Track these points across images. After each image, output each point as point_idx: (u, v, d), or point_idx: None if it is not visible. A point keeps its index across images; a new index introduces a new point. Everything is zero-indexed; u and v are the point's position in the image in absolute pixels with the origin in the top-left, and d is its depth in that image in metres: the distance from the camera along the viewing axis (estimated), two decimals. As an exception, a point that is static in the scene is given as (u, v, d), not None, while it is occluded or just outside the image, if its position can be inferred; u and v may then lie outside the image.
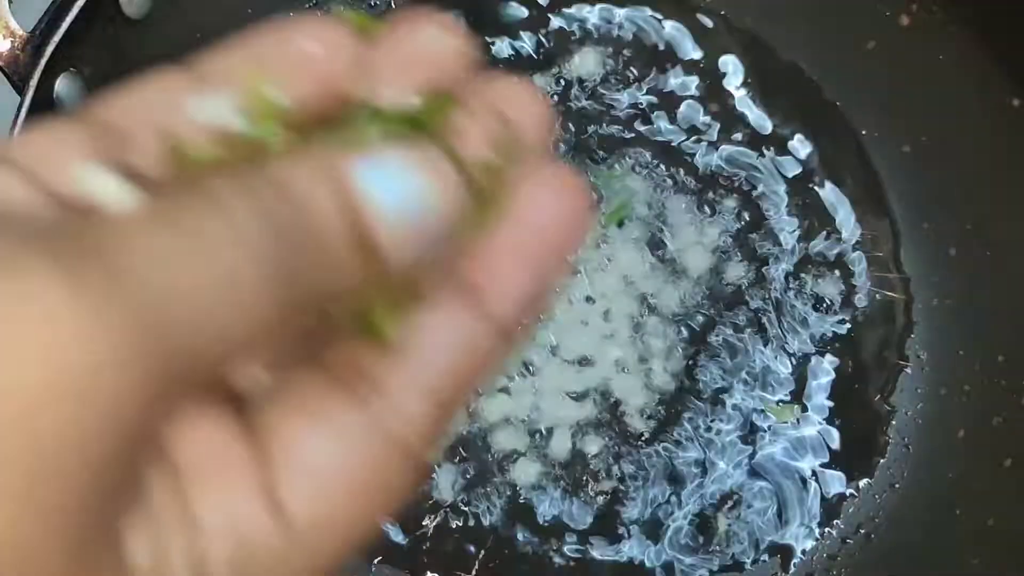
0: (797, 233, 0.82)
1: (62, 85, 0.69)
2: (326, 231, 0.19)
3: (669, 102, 0.84)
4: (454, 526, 0.76)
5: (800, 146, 0.84)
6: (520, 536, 0.76)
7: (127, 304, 0.16)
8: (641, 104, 0.84)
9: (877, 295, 0.82)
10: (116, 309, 0.16)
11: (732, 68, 0.86)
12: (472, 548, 0.76)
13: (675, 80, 0.85)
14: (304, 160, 0.20)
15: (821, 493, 0.77)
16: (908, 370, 0.80)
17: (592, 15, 0.85)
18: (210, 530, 0.19)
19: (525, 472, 0.77)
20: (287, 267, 0.18)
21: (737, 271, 0.81)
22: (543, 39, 0.85)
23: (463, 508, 0.77)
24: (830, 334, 0.80)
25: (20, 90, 0.67)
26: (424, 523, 0.76)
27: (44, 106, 0.68)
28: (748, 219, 0.82)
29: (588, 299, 0.79)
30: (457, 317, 0.23)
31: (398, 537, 0.76)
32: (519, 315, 0.24)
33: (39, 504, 0.15)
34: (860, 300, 0.81)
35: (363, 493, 0.21)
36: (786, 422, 0.78)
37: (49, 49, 0.67)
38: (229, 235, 0.18)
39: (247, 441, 0.21)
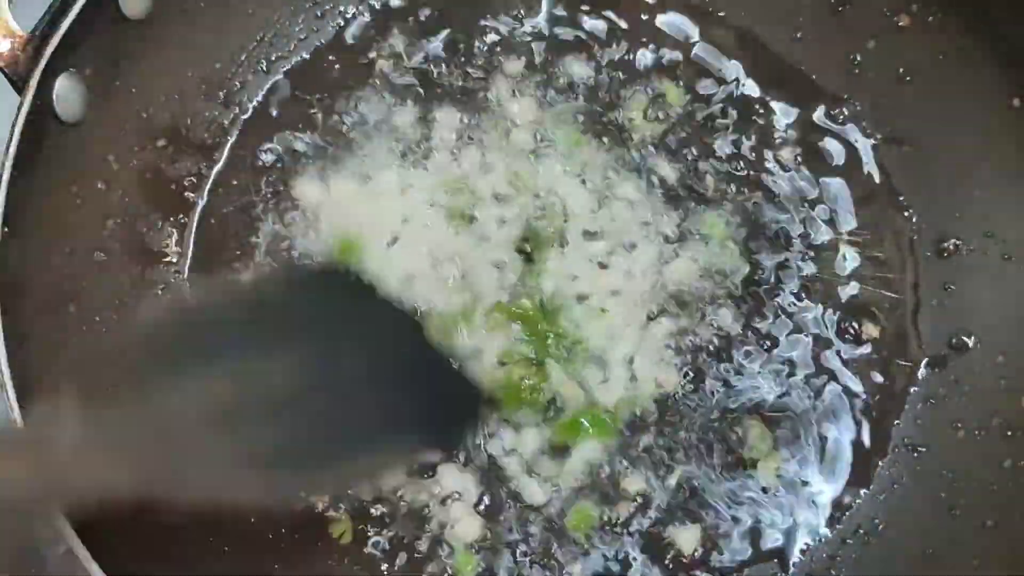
0: (798, 232, 0.83)
1: (62, 85, 0.69)
2: None
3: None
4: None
5: (800, 146, 0.85)
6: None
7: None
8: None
9: (877, 295, 0.82)
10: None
11: (734, 66, 0.87)
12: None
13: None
14: None
15: (821, 494, 0.77)
16: (908, 369, 0.80)
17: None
18: None
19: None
20: None
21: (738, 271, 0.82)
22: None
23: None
24: (831, 335, 0.81)
25: (20, 90, 0.67)
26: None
27: (44, 106, 0.68)
28: (747, 219, 0.83)
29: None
30: None
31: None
32: None
33: None
34: (860, 300, 0.81)
35: None
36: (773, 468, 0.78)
37: (49, 49, 0.67)
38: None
39: None
